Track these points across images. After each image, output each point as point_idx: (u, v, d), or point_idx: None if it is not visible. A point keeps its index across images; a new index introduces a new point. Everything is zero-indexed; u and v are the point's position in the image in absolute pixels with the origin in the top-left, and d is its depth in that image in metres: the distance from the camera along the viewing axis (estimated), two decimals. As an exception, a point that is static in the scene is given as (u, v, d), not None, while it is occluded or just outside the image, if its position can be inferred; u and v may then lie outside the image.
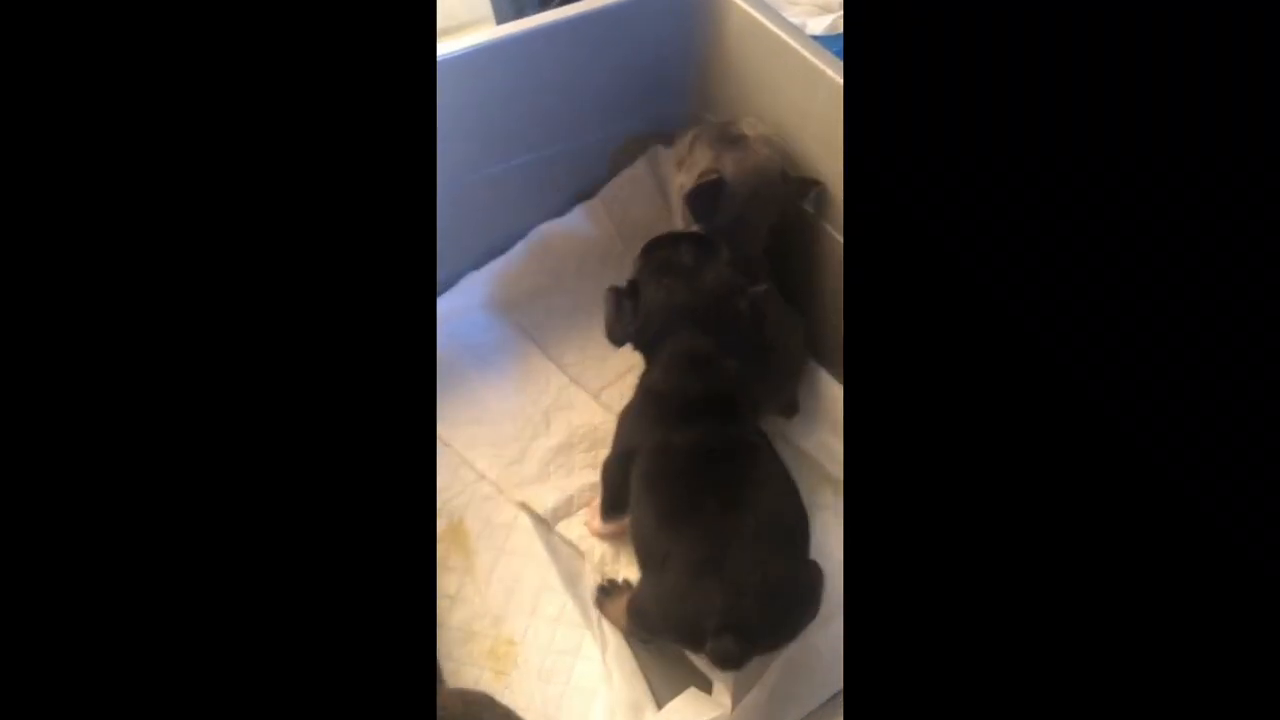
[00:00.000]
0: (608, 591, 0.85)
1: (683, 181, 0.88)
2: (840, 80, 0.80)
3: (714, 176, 0.83)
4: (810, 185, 0.88)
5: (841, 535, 0.88)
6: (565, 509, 0.92)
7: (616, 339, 0.82)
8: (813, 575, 0.74)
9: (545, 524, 0.91)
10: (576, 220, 1.09)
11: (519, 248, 1.08)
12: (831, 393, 0.98)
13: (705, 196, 0.83)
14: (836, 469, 0.93)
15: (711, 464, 0.74)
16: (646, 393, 0.81)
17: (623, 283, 0.82)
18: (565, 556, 0.89)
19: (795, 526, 0.74)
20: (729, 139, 0.85)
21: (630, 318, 0.80)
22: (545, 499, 0.92)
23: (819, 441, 0.96)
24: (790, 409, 0.97)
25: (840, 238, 0.89)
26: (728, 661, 0.66)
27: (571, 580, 0.87)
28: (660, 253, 0.82)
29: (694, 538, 0.70)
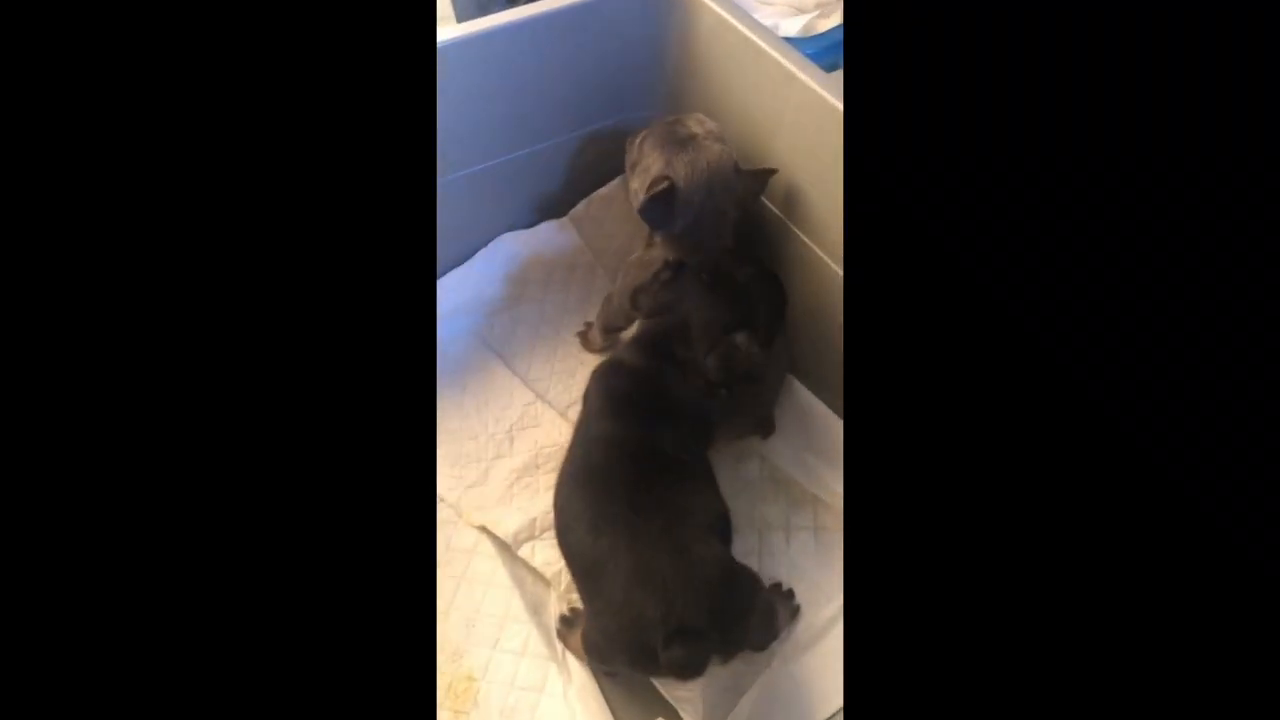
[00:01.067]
0: (570, 622, 0.82)
1: (635, 187, 0.87)
2: (812, 83, 0.79)
3: (665, 185, 0.81)
4: (765, 175, 0.86)
5: (821, 557, 0.87)
6: (529, 532, 0.89)
7: (642, 306, 0.83)
8: (748, 577, 0.73)
9: (508, 549, 0.88)
10: (543, 233, 1.08)
11: (481, 256, 1.06)
12: (809, 408, 0.95)
13: (659, 205, 0.82)
14: (816, 487, 0.92)
15: (643, 466, 0.74)
16: (618, 359, 0.81)
17: (592, 294, 0.84)
18: (529, 584, 0.87)
19: (717, 525, 0.74)
20: (678, 140, 0.83)
21: (658, 286, 0.81)
22: (508, 522, 0.89)
23: (797, 459, 0.94)
24: (766, 428, 0.95)
25: (811, 242, 0.87)
26: (685, 670, 0.64)
27: (536, 609, 0.84)
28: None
29: (620, 546, 0.69)
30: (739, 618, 0.70)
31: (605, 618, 0.69)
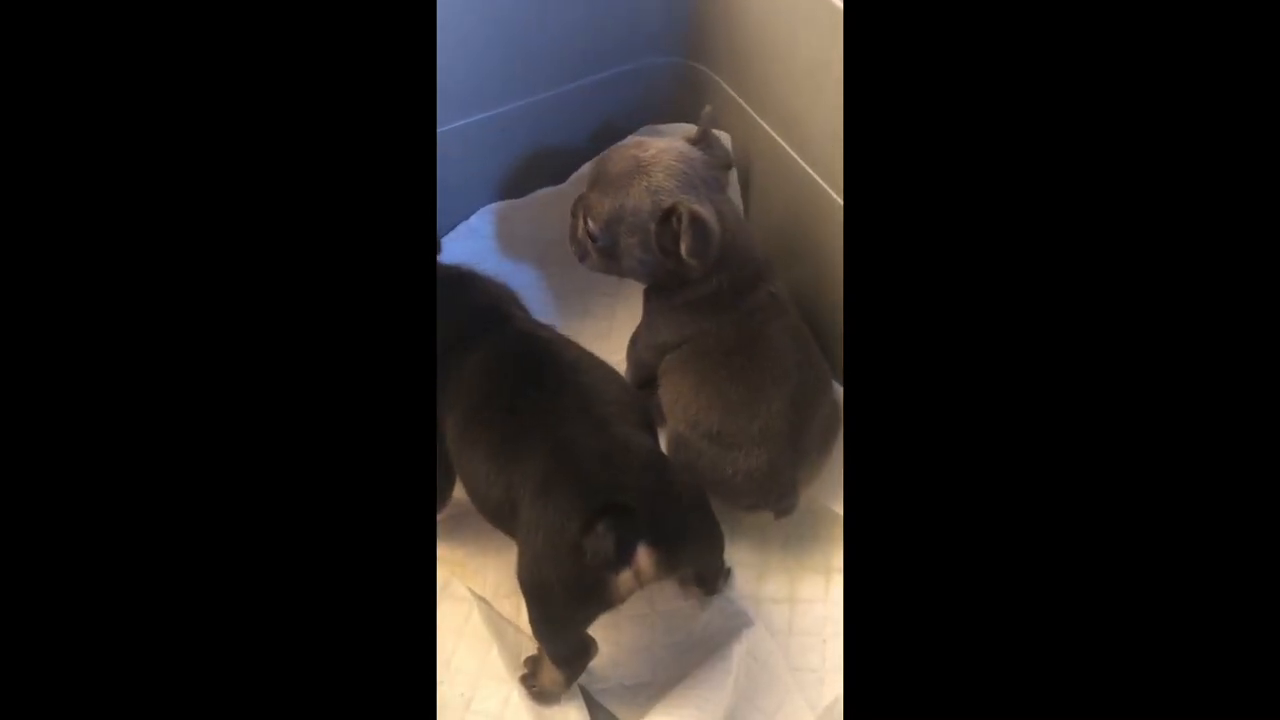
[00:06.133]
0: (534, 670, 0.78)
1: (637, 252, 0.81)
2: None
3: (687, 213, 0.76)
4: (706, 118, 0.84)
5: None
6: (513, 585, 0.79)
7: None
8: (681, 477, 0.72)
9: (485, 602, 0.84)
10: (540, 203, 1.04)
11: (460, 232, 1.02)
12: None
13: (697, 237, 0.77)
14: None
15: (509, 375, 0.74)
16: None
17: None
18: (510, 635, 0.82)
19: (622, 399, 0.74)
20: (628, 172, 0.80)
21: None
22: (486, 573, 0.85)
23: (838, 484, 0.86)
24: (785, 504, 0.84)
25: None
26: (612, 554, 0.63)
27: (519, 666, 0.80)
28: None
29: (533, 441, 0.69)
30: (673, 507, 0.68)
31: (529, 534, 0.67)
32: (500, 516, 0.72)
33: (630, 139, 0.85)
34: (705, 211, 0.76)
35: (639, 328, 0.88)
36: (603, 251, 0.82)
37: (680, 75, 1.00)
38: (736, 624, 0.80)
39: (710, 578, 0.80)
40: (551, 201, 1.03)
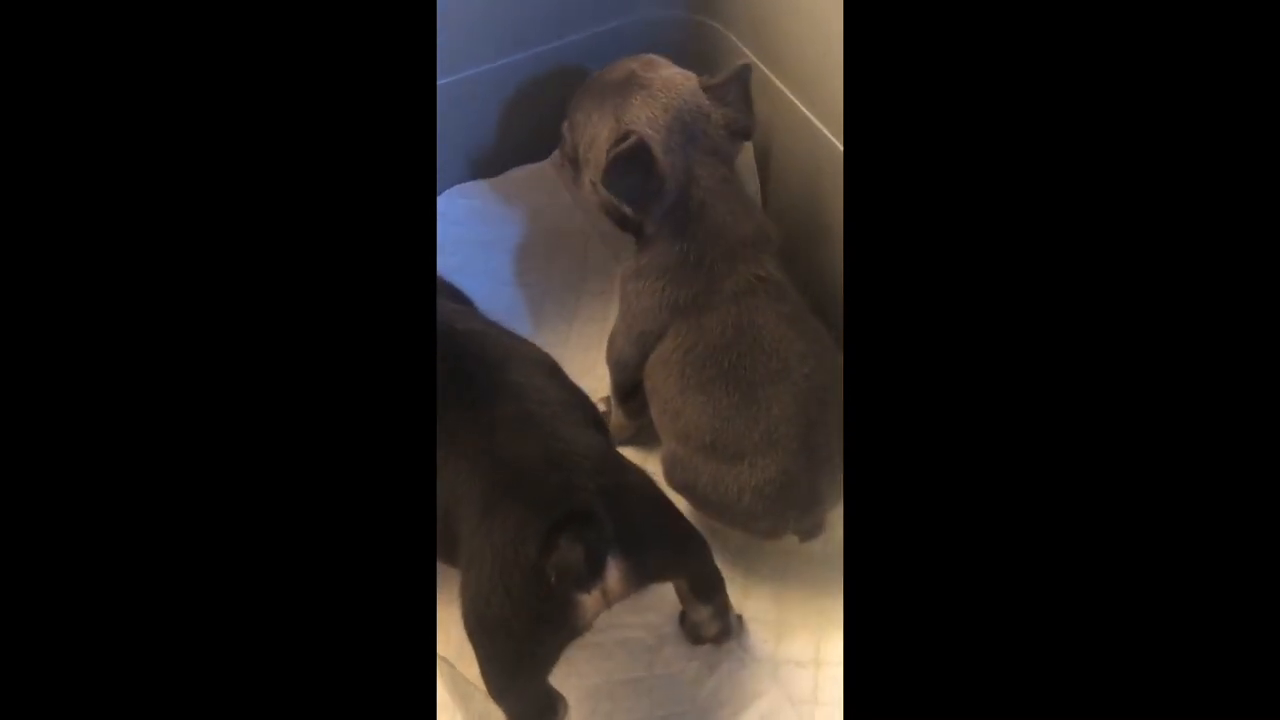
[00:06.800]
0: None
1: (590, 173, 0.79)
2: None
3: (632, 139, 0.73)
4: (740, 72, 0.78)
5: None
6: None
7: None
8: (654, 486, 0.69)
9: (447, 663, 0.76)
10: (518, 182, 0.99)
11: (440, 204, 0.96)
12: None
13: (626, 166, 0.73)
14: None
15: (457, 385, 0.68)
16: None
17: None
18: (478, 701, 0.74)
19: (563, 397, 0.70)
20: (617, 84, 0.77)
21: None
22: (450, 629, 0.74)
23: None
24: (809, 523, 0.77)
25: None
26: (582, 567, 0.57)
27: None
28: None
29: (455, 479, 0.64)
30: (636, 509, 0.64)
31: (474, 566, 0.62)
32: (444, 552, 0.66)
33: (650, 55, 0.80)
34: (664, 158, 0.72)
35: (616, 321, 0.82)
36: (568, 158, 0.81)
37: (686, 32, 0.95)
38: (749, 691, 0.74)
39: (706, 593, 0.72)
40: (531, 181, 0.98)
